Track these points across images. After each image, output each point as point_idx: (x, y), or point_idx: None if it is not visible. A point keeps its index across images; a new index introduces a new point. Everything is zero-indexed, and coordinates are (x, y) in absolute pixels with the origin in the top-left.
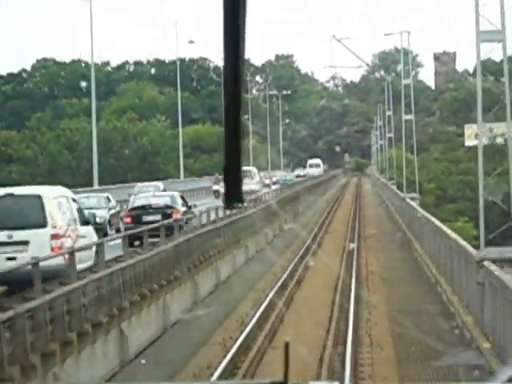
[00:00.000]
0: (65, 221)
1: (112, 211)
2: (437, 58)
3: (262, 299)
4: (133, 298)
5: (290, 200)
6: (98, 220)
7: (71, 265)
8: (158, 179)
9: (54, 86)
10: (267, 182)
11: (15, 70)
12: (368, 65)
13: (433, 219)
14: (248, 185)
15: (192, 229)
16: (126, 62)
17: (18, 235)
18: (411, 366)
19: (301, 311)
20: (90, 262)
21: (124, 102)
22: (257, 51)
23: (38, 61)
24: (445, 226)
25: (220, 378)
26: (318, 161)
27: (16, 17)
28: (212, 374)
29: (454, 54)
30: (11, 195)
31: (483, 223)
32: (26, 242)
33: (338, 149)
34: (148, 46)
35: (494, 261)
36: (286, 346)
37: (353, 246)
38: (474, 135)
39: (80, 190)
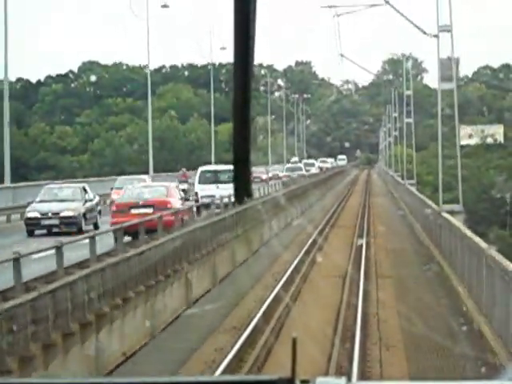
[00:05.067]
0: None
1: (88, 204)
2: (441, 63)
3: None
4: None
5: (337, 172)
6: (69, 214)
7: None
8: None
9: (99, 86)
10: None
11: (62, 71)
12: (387, 2)
13: (402, 181)
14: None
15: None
16: (163, 66)
17: None
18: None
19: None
20: None
21: (164, 102)
22: (279, 57)
23: (83, 63)
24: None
25: None
26: (344, 156)
27: (61, 22)
28: None
29: (458, 59)
30: None
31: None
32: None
33: (347, 145)
34: (183, 52)
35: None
36: (294, 341)
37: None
38: (467, 135)
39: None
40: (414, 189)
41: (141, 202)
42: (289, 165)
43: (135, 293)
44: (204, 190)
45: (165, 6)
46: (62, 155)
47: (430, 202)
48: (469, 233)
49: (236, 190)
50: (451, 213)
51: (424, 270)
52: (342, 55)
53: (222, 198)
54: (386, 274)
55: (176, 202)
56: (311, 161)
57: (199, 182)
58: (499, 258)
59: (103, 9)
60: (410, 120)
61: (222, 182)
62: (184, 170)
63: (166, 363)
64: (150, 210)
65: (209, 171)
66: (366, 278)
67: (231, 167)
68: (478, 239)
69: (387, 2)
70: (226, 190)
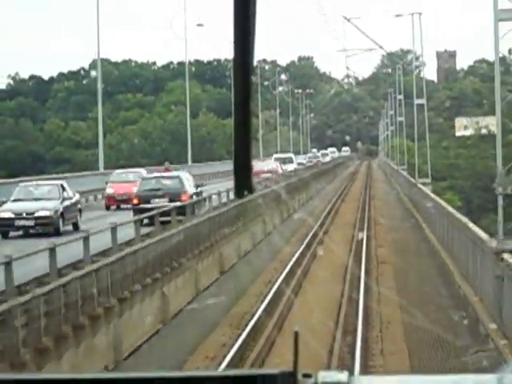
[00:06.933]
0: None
1: (67, 202)
2: (439, 56)
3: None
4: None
5: (345, 159)
6: (45, 213)
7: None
8: (211, 160)
9: (110, 82)
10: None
11: (73, 69)
12: (380, 46)
13: (395, 166)
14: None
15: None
16: (171, 62)
17: None
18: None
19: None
20: None
21: (173, 97)
22: (282, 53)
23: (94, 60)
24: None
25: None
26: (347, 148)
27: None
28: None
29: (455, 52)
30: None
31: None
32: None
33: (348, 138)
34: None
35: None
36: (296, 335)
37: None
38: (463, 127)
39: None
40: (405, 173)
41: (265, 169)
42: (310, 154)
43: (230, 233)
44: (343, 153)
45: (200, 25)
46: (76, 149)
47: (411, 179)
48: (430, 193)
49: (236, 185)
50: (424, 184)
51: (405, 221)
52: (348, 68)
53: (286, 170)
54: (381, 223)
55: (280, 170)
56: (326, 151)
57: (343, 151)
58: (447, 207)
59: (111, 7)
60: (402, 118)
61: (285, 163)
62: (167, 163)
63: (264, 260)
64: (269, 174)
65: (279, 157)
66: (369, 225)
67: (290, 154)
68: (436, 197)
69: (381, 47)
70: (289, 167)
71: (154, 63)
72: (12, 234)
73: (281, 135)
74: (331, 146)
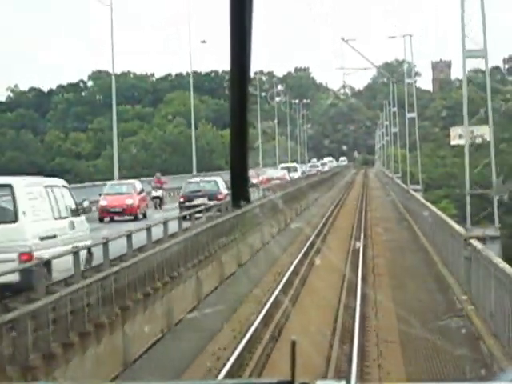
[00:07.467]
0: None
1: None
2: (434, 66)
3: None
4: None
5: (342, 168)
6: None
7: None
8: (211, 171)
9: (109, 94)
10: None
11: (72, 80)
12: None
13: (390, 175)
14: (343, 162)
15: None
16: (169, 74)
17: None
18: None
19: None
20: None
21: (172, 108)
22: (278, 64)
23: (93, 72)
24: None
25: None
26: (344, 158)
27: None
28: None
29: (450, 62)
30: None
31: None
32: None
33: (344, 147)
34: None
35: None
36: (293, 344)
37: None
38: (458, 136)
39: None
40: (399, 181)
41: (275, 177)
42: (310, 163)
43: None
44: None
45: (203, 42)
46: (77, 160)
47: (404, 185)
48: (420, 197)
49: (233, 194)
50: (415, 190)
51: (398, 223)
52: (344, 82)
53: (293, 177)
54: (376, 224)
55: (287, 177)
56: (324, 161)
57: (340, 161)
58: (432, 208)
59: (108, 13)
60: (396, 129)
61: (291, 171)
62: (158, 174)
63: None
64: (278, 181)
65: (285, 167)
66: (366, 226)
67: (295, 164)
68: (424, 201)
69: (375, 66)
70: (295, 175)
71: (153, 75)
72: None
73: (279, 145)
74: (328, 155)
